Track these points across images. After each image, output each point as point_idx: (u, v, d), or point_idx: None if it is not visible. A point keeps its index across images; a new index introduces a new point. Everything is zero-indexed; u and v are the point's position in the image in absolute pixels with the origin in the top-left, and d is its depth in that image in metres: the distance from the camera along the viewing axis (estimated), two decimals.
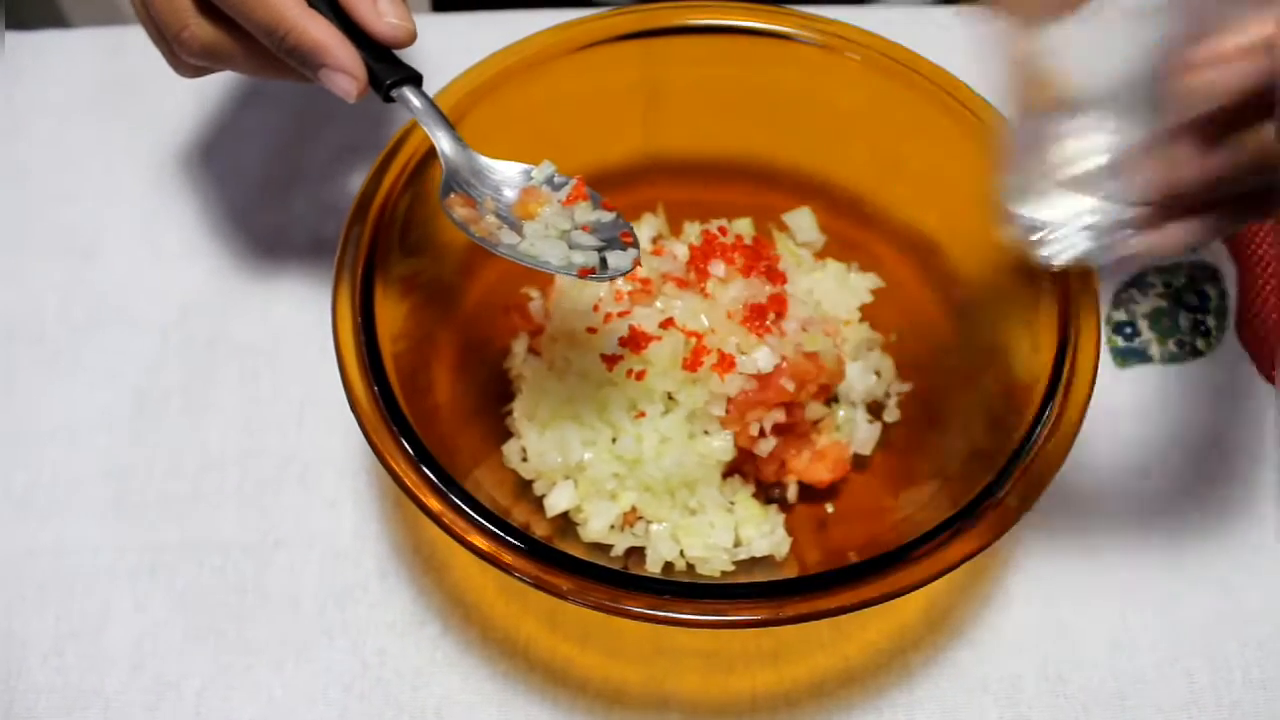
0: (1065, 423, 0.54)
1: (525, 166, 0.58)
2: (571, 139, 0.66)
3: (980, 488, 0.53)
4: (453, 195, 0.56)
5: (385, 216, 0.59)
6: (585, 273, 0.54)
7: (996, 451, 0.55)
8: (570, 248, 0.55)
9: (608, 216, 0.57)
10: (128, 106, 0.83)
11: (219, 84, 0.83)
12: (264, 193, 0.79)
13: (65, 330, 0.73)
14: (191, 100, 0.82)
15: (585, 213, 0.57)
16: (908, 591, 0.51)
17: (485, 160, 0.58)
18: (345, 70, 0.55)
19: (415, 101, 0.57)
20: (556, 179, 0.58)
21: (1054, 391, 0.54)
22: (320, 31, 0.55)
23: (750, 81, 0.69)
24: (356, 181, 0.61)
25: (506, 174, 0.58)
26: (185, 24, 0.57)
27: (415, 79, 0.57)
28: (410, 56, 0.84)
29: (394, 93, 0.57)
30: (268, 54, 0.57)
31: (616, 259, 0.55)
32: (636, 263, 0.55)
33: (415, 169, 0.61)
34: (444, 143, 0.57)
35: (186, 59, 0.59)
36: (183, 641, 0.63)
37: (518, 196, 0.57)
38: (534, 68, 0.65)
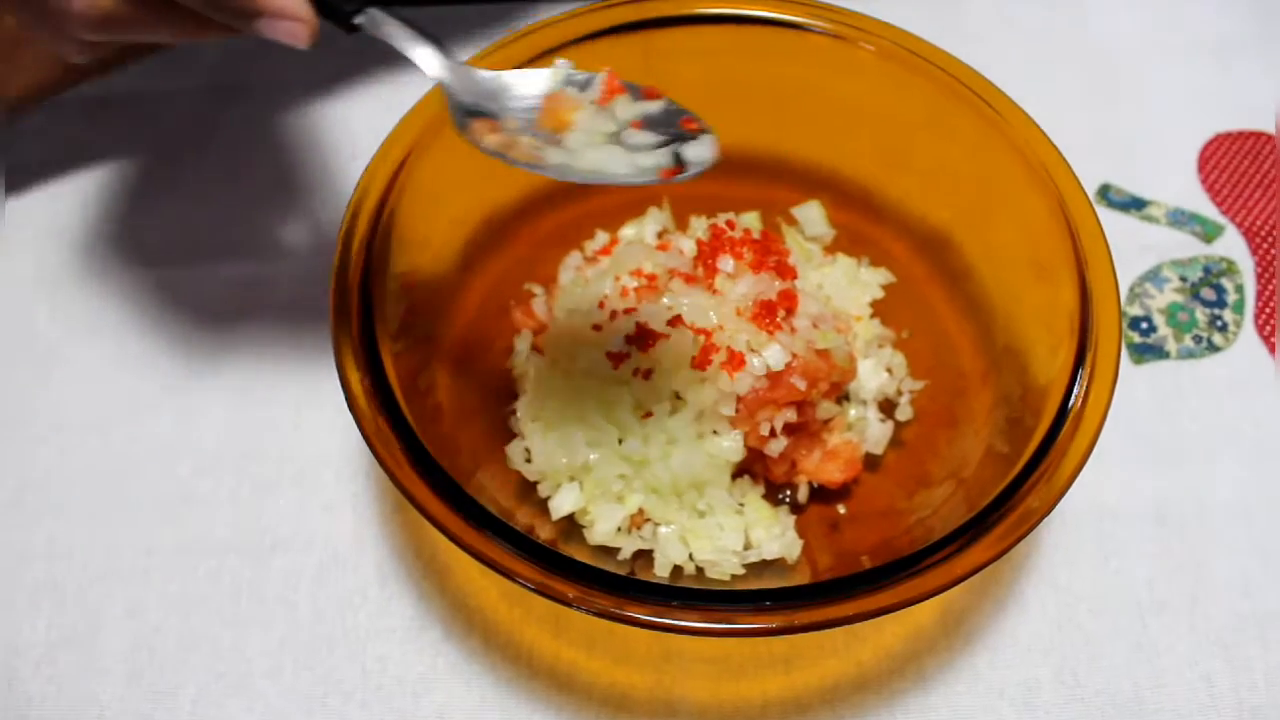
0: (1085, 426, 0.52)
1: (540, 71, 0.51)
2: None
3: (998, 491, 0.52)
4: (474, 123, 0.48)
5: (383, 212, 0.58)
6: (669, 174, 0.46)
7: (1014, 454, 0.54)
8: (630, 152, 0.48)
9: (656, 106, 0.49)
10: (124, 103, 0.81)
11: (214, 82, 0.81)
12: (261, 190, 0.77)
13: (57, 329, 0.71)
14: (189, 97, 0.81)
15: (628, 107, 0.49)
16: (924, 599, 0.49)
17: (489, 74, 0.50)
18: (288, 14, 0.46)
19: (387, 24, 0.48)
20: (577, 77, 0.50)
21: (1073, 393, 0.53)
22: None
23: (756, 72, 0.67)
24: (354, 177, 0.59)
25: (519, 85, 0.50)
26: None
27: None
28: (400, 55, 0.83)
29: (359, 19, 0.48)
30: (182, 12, 0.48)
31: (695, 150, 0.47)
32: (718, 149, 0.47)
33: (413, 163, 0.59)
34: (434, 65, 0.49)
35: (80, 34, 0.49)
36: (177, 648, 0.61)
37: (540, 107, 0.49)
38: (534, 61, 0.63)
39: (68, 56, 0.52)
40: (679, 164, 0.47)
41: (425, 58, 0.49)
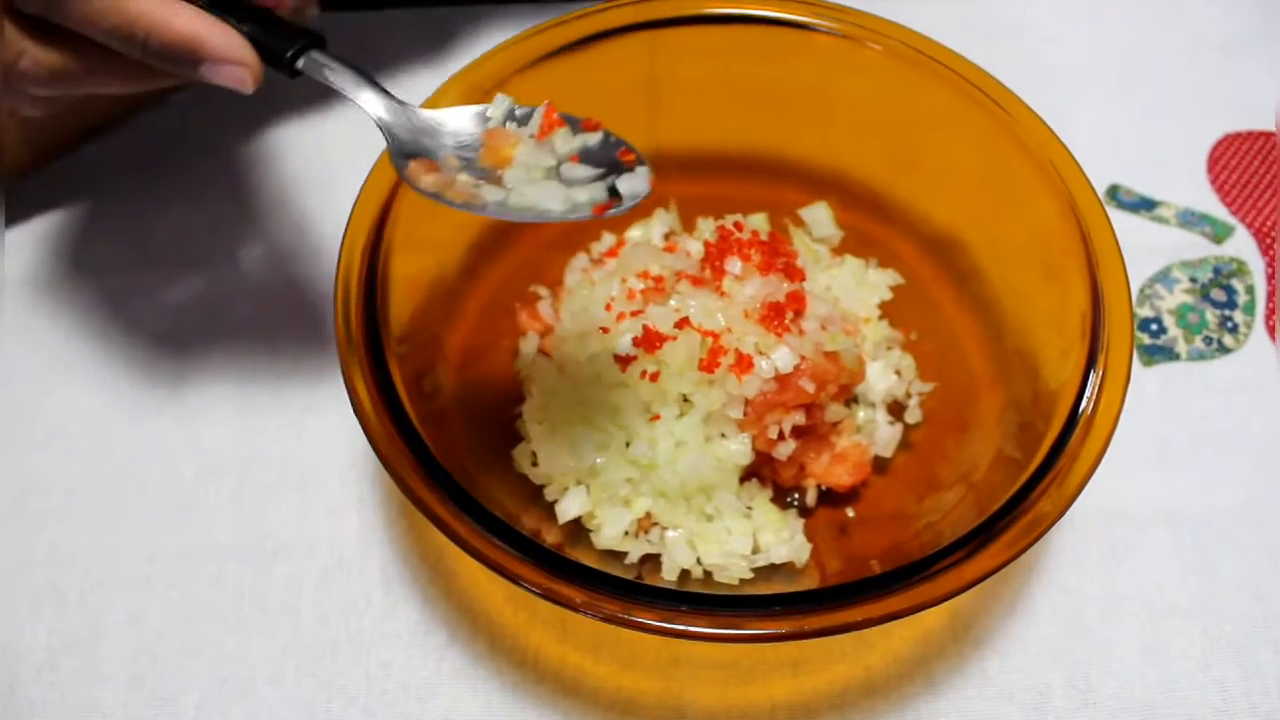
0: (1096, 431, 0.52)
1: (478, 108, 0.51)
2: None
3: (1008, 495, 0.52)
4: (411, 164, 0.49)
5: (387, 216, 0.58)
6: (601, 209, 0.47)
7: (1024, 459, 0.53)
8: (567, 186, 0.48)
9: (595, 138, 0.49)
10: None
11: (216, 86, 0.80)
12: (263, 193, 0.77)
13: (57, 334, 0.71)
14: (190, 100, 0.80)
15: (567, 141, 0.50)
16: (935, 604, 0.49)
17: (429, 114, 0.51)
18: (230, 59, 0.48)
19: (329, 68, 0.49)
20: (518, 112, 0.51)
21: (1084, 398, 0.53)
22: (187, 22, 0.47)
23: (763, 72, 0.67)
24: (358, 179, 0.59)
25: (459, 123, 0.51)
26: (20, 51, 0.47)
27: (318, 42, 0.50)
28: (404, 55, 0.82)
29: (300, 63, 0.49)
30: (128, 63, 0.49)
31: (629, 184, 0.47)
32: (652, 182, 0.48)
33: None
34: (376, 107, 0.50)
35: (32, 91, 0.50)
36: (180, 655, 0.61)
37: (480, 144, 0.50)
38: (536, 63, 0.63)
39: (21, 112, 0.53)
40: (614, 197, 0.48)
41: (367, 100, 0.50)
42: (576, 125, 0.50)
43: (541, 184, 0.48)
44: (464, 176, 0.49)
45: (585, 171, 0.49)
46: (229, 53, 0.48)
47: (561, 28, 0.64)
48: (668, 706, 0.59)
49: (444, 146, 0.50)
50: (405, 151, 0.50)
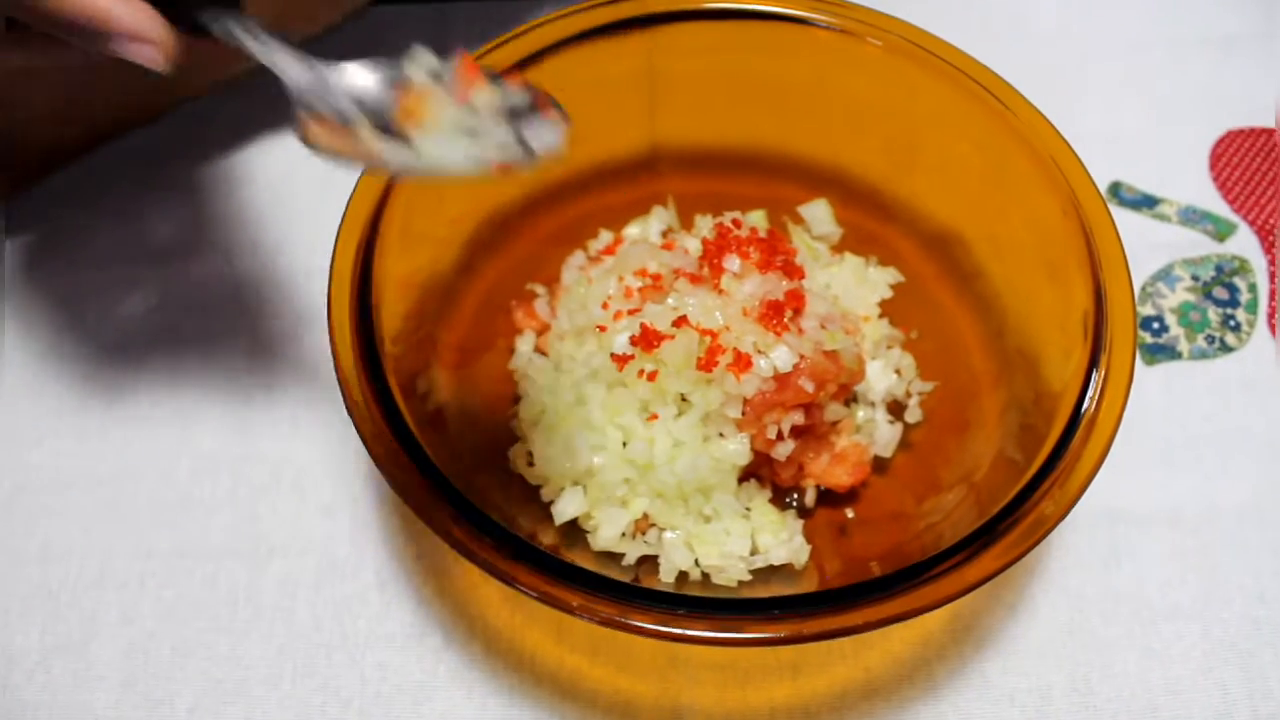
0: (1098, 432, 0.52)
1: (391, 61, 0.49)
2: (575, 132, 0.63)
3: (1010, 497, 0.51)
4: (313, 124, 0.46)
5: (381, 212, 0.57)
6: (505, 168, 0.45)
7: (1026, 460, 0.53)
8: (479, 140, 0.46)
9: (514, 93, 0.47)
10: None
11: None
12: (258, 188, 0.76)
13: (48, 331, 0.70)
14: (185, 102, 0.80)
15: (485, 96, 0.48)
16: (935, 607, 0.49)
17: (341, 73, 0.48)
18: (139, 35, 0.45)
19: (240, 28, 0.47)
20: (435, 67, 0.48)
21: (1086, 398, 0.52)
22: None
23: (762, 68, 0.66)
24: (351, 176, 0.58)
25: (373, 81, 0.48)
26: None
27: (230, 2, 0.47)
28: (404, 49, 0.82)
29: (214, 27, 0.47)
30: (37, 36, 0.47)
31: (538, 134, 0.45)
32: (567, 134, 0.45)
33: None
34: (292, 69, 0.47)
35: None
36: (173, 655, 0.60)
37: (396, 102, 0.48)
38: (535, 58, 0.62)
39: None
40: (527, 152, 0.46)
41: (284, 64, 0.48)
42: (499, 79, 0.49)
43: (450, 141, 0.47)
44: (369, 135, 0.47)
45: (501, 126, 0.47)
46: (136, 26, 0.45)
47: (560, 22, 0.63)
48: (665, 709, 0.59)
49: (351, 105, 0.48)
50: (311, 110, 0.47)
